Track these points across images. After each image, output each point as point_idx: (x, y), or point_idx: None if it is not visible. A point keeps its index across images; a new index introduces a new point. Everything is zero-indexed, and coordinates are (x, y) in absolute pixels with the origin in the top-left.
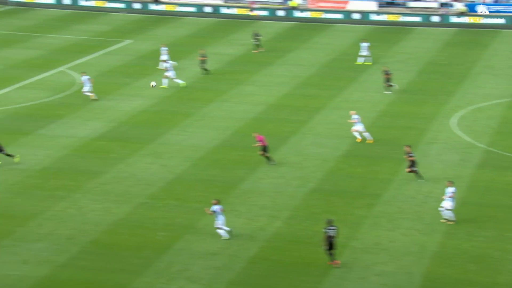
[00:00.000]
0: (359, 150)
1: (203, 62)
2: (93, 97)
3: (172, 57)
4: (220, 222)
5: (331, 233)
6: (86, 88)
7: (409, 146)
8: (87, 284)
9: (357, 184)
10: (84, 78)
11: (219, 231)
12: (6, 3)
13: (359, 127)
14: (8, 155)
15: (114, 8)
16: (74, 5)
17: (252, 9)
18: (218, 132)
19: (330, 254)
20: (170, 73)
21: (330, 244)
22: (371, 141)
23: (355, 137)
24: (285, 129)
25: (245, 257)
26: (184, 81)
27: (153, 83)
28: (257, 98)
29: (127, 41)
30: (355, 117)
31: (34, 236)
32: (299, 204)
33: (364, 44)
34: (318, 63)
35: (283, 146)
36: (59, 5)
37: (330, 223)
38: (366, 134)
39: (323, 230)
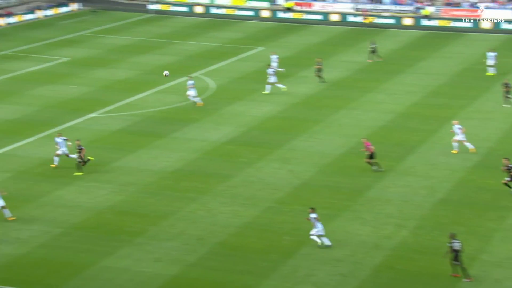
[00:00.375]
0: (490, 161)
1: (319, 70)
2: (199, 103)
3: (300, 64)
4: (316, 230)
5: (456, 246)
6: (191, 93)
7: (507, 159)
8: (214, 284)
9: (488, 196)
10: (190, 82)
11: (313, 237)
12: (147, 11)
13: (460, 137)
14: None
15: (244, 16)
16: (207, 13)
17: (365, 17)
18: (345, 139)
19: (460, 269)
20: (272, 79)
21: (456, 258)
22: (474, 151)
23: (485, 148)
24: (413, 138)
25: (370, 265)
26: (285, 85)
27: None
28: (386, 106)
29: (259, 48)
30: (457, 127)
31: (166, 235)
32: (426, 214)
33: (491, 54)
34: (449, 72)
35: (411, 155)
36: (193, 13)
37: (453, 237)
38: (468, 144)
39: (448, 244)
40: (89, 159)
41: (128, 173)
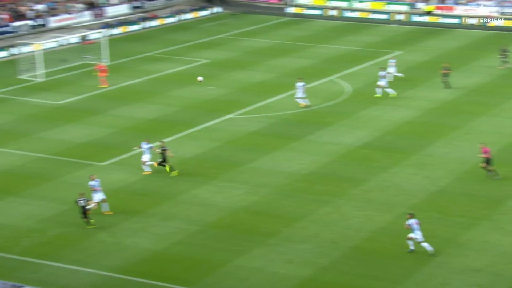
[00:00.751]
0: None
1: (445, 75)
2: (304, 105)
3: (438, 69)
4: (414, 235)
5: None
6: (299, 95)
7: None
8: None
9: None
10: (299, 84)
11: (408, 241)
12: (285, 15)
13: None
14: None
15: (377, 19)
16: (342, 17)
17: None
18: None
19: None
20: (382, 82)
21: None
22: None
23: None
24: None
25: (511, 277)
26: (395, 91)
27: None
28: None
29: (397, 52)
30: None
31: (299, 238)
32: None
33: None
34: None
35: None
36: (329, 16)
37: None
38: None
39: None
40: (169, 166)
41: (262, 174)
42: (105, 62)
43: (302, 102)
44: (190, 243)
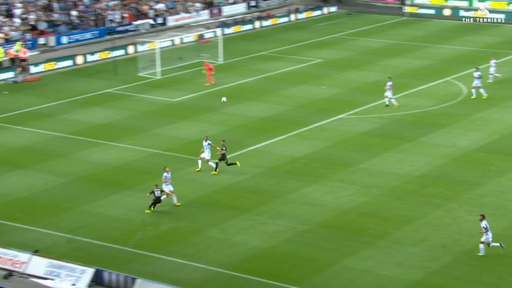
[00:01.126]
0: None
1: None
2: (396, 105)
3: None
4: (486, 237)
5: None
6: (389, 94)
7: None
8: None
9: None
10: (389, 84)
11: (481, 245)
12: (402, 14)
13: None
14: (230, 164)
15: (496, 19)
16: (455, 16)
17: None
18: None
19: None
20: (476, 82)
21: None
22: None
23: None
24: None
25: None
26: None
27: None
28: None
29: None
30: None
31: (409, 240)
32: None
33: None
34: None
35: None
36: (446, 16)
37: None
38: None
39: None
40: (234, 163)
41: (373, 175)
42: (219, 60)
43: (396, 103)
44: (298, 242)
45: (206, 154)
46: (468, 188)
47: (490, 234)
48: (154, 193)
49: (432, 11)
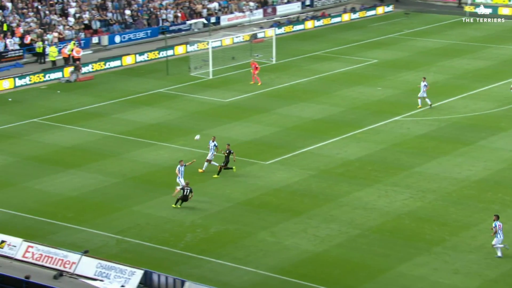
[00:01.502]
0: None
1: None
2: (426, 105)
3: None
4: (496, 239)
5: None
6: (422, 94)
7: None
8: None
9: None
10: (423, 84)
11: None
12: (463, 14)
13: None
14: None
15: None
16: None
17: None
18: None
19: None
20: None
21: None
22: None
23: None
24: None
25: None
26: None
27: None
28: None
29: None
30: None
31: (466, 247)
32: None
33: None
34: None
35: None
36: (508, 15)
37: None
38: None
39: None
40: (231, 168)
41: (429, 179)
42: (272, 60)
43: (428, 102)
44: (350, 247)
45: (209, 155)
46: None
47: (499, 237)
48: (183, 191)
49: (491, 10)
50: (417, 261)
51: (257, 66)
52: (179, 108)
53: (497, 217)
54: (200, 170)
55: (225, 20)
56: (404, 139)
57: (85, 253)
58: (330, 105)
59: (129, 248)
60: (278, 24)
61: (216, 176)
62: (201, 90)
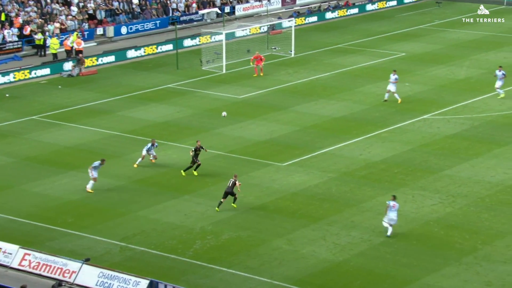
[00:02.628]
0: None
1: None
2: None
3: None
4: (387, 217)
5: None
6: (498, 84)
7: None
8: None
9: None
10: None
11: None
12: (502, 3)
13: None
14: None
15: None
16: None
17: None
18: None
19: None
20: (500, 83)
21: None
22: None
23: None
24: None
25: None
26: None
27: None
28: None
29: None
30: None
31: (500, 257)
32: None
33: None
34: None
35: None
36: None
37: None
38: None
39: None
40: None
41: (460, 183)
42: (291, 53)
43: (399, 98)
44: (373, 256)
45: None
46: None
47: (391, 216)
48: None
49: None
50: (445, 272)
51: (262, 57)
52: (189, 105)
53: (394, 197)
54: (195, 173)
55: (240, 10)
56: (433, 139)
57: (86, 261)
58: (353, 102)
59: (134, 256)
60: (298, 14)
61: (183, 172)
62: (213, 85)
